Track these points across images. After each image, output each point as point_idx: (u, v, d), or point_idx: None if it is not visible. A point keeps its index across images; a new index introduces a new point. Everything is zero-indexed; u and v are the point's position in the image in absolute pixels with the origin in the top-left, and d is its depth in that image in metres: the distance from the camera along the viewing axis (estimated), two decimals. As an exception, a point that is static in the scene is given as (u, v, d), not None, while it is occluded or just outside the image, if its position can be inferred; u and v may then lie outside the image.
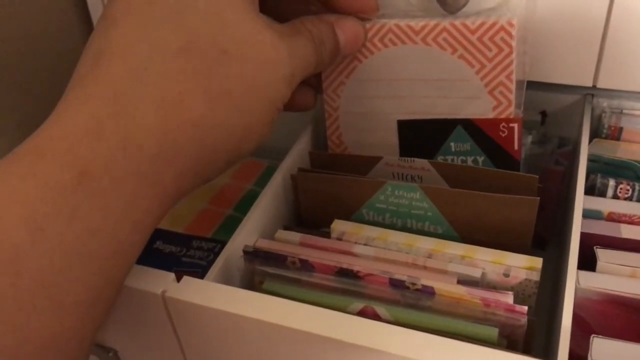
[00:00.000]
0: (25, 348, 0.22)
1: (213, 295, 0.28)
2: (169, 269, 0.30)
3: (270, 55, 0.28)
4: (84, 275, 0.23)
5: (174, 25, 0.26)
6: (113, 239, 0.24)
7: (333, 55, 0.33)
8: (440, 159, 0.37)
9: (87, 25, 0.53)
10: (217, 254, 0.37)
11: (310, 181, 0.37)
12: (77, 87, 0.25)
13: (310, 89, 0.37)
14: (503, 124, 0.34)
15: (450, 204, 0.34)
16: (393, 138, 0.38)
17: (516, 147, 0.35)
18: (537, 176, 0.33)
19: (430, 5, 0.35)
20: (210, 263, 0.35)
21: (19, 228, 0.22)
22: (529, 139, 0.40)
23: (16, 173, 0.23)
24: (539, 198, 0.32)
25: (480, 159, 0.36)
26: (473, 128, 0.35)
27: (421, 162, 0.36)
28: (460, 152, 0.36)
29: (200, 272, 0.39)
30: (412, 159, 0.36)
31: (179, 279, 0.29)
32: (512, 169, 0.35)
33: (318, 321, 0.27)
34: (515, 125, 0.34)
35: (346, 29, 0.33)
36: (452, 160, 0.37)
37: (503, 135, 0.35)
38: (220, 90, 0.26)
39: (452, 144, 0.36)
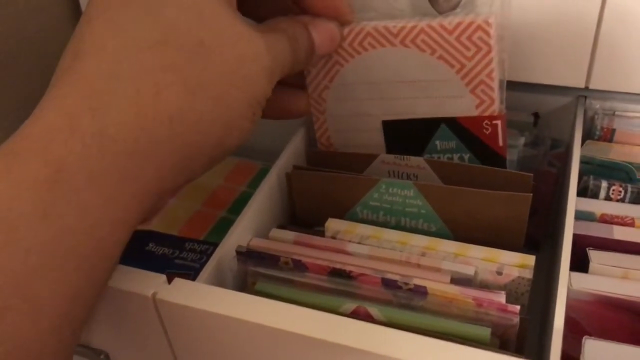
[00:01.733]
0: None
1: (204, 297, 0.28)
2: (161, 271, 0.30)
3: (249, 48, 0.28)
4: (61, 275, 0.23)
5: (150, 20, 0.25)
6: (91, 237, 0.24)
7: (309, 55, 0.33)
8: (426, 157, 0.37)
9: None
10: (209, 256, 0.37)
11: (304, 179, 0.37)
12: (53, 87, 0.25)
13: (302, 92, 0.37)
14: (486, 121, 0.34)
15: (444, 201, 0.34)
16: (379, 139, 0.38)
17: (501, 143, 0.35)
18: (530, 194, 0.33)
19: (420, 5, 0.36)
20: (203, 265, 0.35)
21: None
22: (522, 140, 0.40)
23: None
24: (531, 194, 0.32)
25: (466, 157, 0.36)
26: (457, 126, 0.35)
27: (416, 160, 0.36)
28: (445, 150, 0.36)
29: (192, 274, 0.39)
30: (408, 156, 0.36)
31: (170, 281, 0.29)
32: (499, 166, 0.35)
33: (309, 323, 0.27)
34: (499, 122, 0.34)
35: (320, 29, 0.33)
36: (439, 158, 0.37)
37: (487, 132, 0.35)
38: (198, 83, 0.26)
39: (437, 142, 0.36)
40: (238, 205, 0.45)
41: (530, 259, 0.32)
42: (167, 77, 0.25)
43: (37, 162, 0.23)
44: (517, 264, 0.32)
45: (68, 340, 0.24)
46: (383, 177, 0.36)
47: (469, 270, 0.31)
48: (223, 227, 0.42)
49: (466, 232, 0.34)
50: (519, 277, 0.31)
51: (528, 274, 0.31)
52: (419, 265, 0.32)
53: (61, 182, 0.23)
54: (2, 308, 0.22)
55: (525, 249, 0.34)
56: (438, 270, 0.32)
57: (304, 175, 0.37)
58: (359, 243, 0.34)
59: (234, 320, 0.27)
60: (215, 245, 0.39)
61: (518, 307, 0.29)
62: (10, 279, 0.22)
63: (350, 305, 0.30)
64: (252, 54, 0.28)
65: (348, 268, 0.31)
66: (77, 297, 0.24)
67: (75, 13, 0.51)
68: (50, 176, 0.23)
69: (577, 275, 0.32)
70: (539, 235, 0.43)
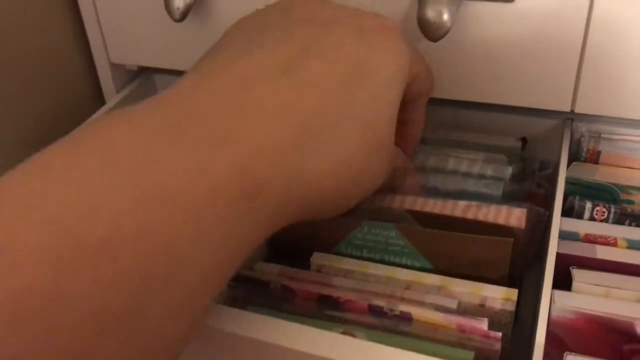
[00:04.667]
0: (163, 347, 0.22)
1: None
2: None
3: (385, 164, 0.31)
4: (217, 284, 0.24)
5: (369, 93, 0.28)
6: (245, 251, 0.25)
7: (390, 188, 0.36)
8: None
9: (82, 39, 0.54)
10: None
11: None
12: (256, 88, 0.26)
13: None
14: None
15: (426, 242, 0.35)
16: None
17: None
18: (511, 239, 0.33)
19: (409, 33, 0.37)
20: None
21: (187, 228, 0.21)
22: (509, 171, 0.40)
23: (188, 167, 0.22)
24: (512, 239, 0.33)
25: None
26: None
27: (398, 210, 0.36)
28: None
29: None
30: (389, 206, 0.37)
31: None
32: None
33: (307, 339, 0.28)
34: None
35: (411, 185, 0.38)
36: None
37: None
38: (368, 168, 0.29)
39: None
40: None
41: (513, 293, 0.32)
42: (363, 153, 0.28)
43: (235, 173, 0.23)
44: (500, 297, 0.32)
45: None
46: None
47: (452, 304, 0.32)
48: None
49: (449, 269, 0.35)
50: (501, 309, 0.32)
51: (511, 307, 0.32)
52: (403, 299, 0.33)
53: (249, 202, 0.24)
54: (176, 314, 0.22)
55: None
56: (422, 303, 0.32)
57: None
58: (343, 277, 0.35)
59: (230, 336, 0.28)
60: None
61: (500, 334, 0.30)
62: (188, 285, 0.22)
63: (338, 329, 0.31)
64: (387, 163, 0.31)
65: (336, 294, 0.32)
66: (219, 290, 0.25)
67: (74, 17, 0.52)
68: (243, 191, 0.23)
69: (560, 293, 0.33)
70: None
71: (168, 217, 0.21)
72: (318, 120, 0.26)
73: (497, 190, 0.38)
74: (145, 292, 0.20)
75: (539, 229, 0.36)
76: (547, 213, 0.36)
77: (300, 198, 0.26)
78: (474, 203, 0.35)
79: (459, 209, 0.35)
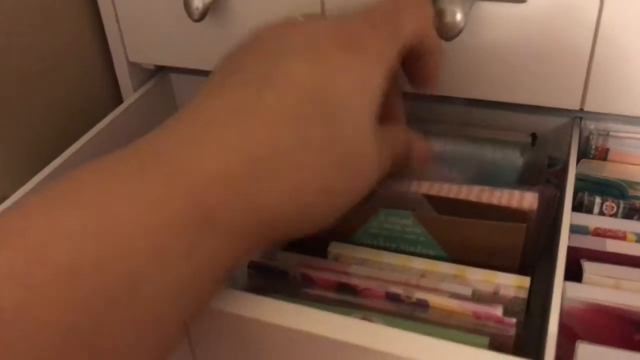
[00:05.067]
0: None
1: (226, 299, 0.30)
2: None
3: (368, 169, 0.31)
4: (185, 306, 0.25)
5: (325, 118, 0.29)
6: (212, 276, 0.26)
7: (401, 168, 0.37)
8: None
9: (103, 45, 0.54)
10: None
11: None
12: (214, 125, 0.27)
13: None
14: None
15: (441, 230, 0.36)
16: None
17: None
18: (524, 225, 0.34)
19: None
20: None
21: (146, 257, 0.23)
22: (521, 161, 0.41)
23: (145, 199, 0.24)
24: (525, 225, 0.34)
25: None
26: None
27: (414, 194, 0.38)
28: None
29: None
30: (406, 191, 0.38)
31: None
32: None
33: (328, 324, 0.28)
34: None
35: (421, 151, 0.38)
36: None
37: None
38: (334, 189, 0.29)
39: None
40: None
41: (526, 281, 0.33)
42: (319, 176, 0.28)
43: (190, 202, 0.25)
44: (513, 285, 0.33)
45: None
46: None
47: (467, 291, 0.33)
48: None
49: (463, 257, 0.36)
50: (514, 297, 0.33)
51: (523, 294, 0.33)
52: (418, 286, 0.34)
53: (205, 228, 0.25)
54: (142, 334, 0.24)
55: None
56: (437, 290, 0.33)
57: None
58: (360, 265, 0.36)
59: (253, 321, 0.29)
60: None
61: (514, 320, 0.31)
62: (151, 308, 0.24)
63: (357, 316, 0.31)
64: (368, 174, 0.32)
65: (354, 282, 0.33)
66: (186, 322, 0.27)
67: (93, 16, 0.53)
68: (198, 219, 0.25)
69: (571, 284, 0.33)
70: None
71: (126, 246, 0.23)
72: (268, 150, 0.27)
73: (512, 174, 0.39)
74: (108, 315, 0.22)
75: (551, 210, 0.37)
76: (559, 194, 0.37)
77: (258, 225, 0.27)
78: (487, 187, 0.36)
79: (474, 193, 0.36)
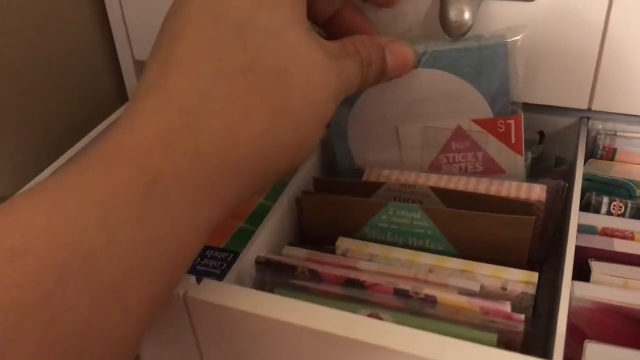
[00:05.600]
0: (92, 347, 0.23)
1: (232, 295, 0.30)
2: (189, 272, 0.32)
3: (321, 76, 0.30)
4: (148, 278, 0.25)
5: (238, 45, 0.27)
6: (177, 245, 0.26)
7: (379, 78, 0.35)
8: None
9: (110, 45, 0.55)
10: (230, 264, 0.39)
11: (313, 203, 0.39)
12: (144, 97, 0.27)
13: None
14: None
15: (450, 223, 0.36)
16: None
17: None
18: (533, 217, 0.34)
19: (430, 31, 0.38)
20: (224, 271, 0.37)
21: (95, 231, 0.23)
22: (529, 155, 0.41)
23: (90, 177, 0.24)
24: (534, 217, 0.34)
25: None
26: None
27: (421, 187, 0.38)
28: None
29: (215, 278, 0.41)
30: (413, 184, 0.38)
31: (199, 281, 0.31)
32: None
33: (332, 321, 0.28)
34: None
35: (396, 54, 0.35)
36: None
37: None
38: (280, 107, 0.28)
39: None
40: (255, 216, 0.47)
41: (534, 276, 0.33)
42: (254, 101, 0.27)
43: (133, 171, 0.24)
44: (521, 280, 0.33)
45: (141, 340, 0.26)
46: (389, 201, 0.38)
47: (475, 286, 0.33)
48: (242, 236, 0.44)
49: (471, 252, 0.36)
50: (522, 292, 0.33)
51: (532, 290, 0.33)
52: (426, 282, 0.34)
53: (155, 192, 0.25)
54: (98, 309, 0.23)
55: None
56: (445, 286, 0.33)
57: (312, 199, 0.39)
58: (368, 261, 0.36)
59: (261, 318, 0.29)
60: (234, 253, 0.41)
61: (523, 316, 0.30)
62: (106, 281, 0.23)
63: (364, 312, 0.31)
64: (324, 81, 0.30)
65: (362, 278, 0.33)
66: (157, 298, 0.26)
67: (100, 14, 0.53)
68: (145, 186, 0.24)
69: (579, 284, 0.33)
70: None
71: (74, 217, 0.23)
72: (194, 91, 0.26)
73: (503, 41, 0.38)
74: (60, 288, 0.22)
75: (559, 203, 0.37)
76: (566, 185, 0.37)
77: (212, 174, 0.26)
78: (495, 180, 0.36)
79: (482, 185, 0.36)
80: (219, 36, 0.28)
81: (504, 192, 0.36)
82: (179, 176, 0.25)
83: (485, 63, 0.37)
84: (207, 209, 0.27)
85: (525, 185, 0.36)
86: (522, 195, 0.36)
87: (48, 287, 0.22)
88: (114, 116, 0.50)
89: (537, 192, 0.36)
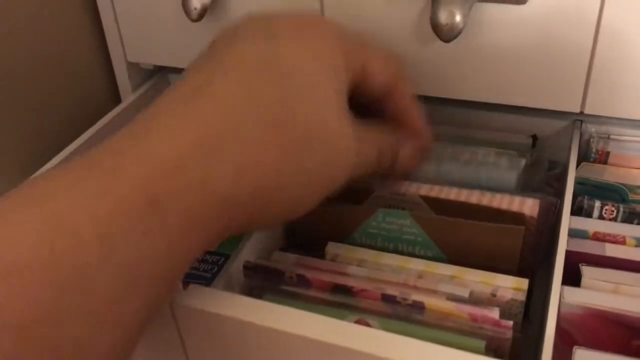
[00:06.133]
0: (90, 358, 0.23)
1: (219, 302, 0.29)
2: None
3: (343, 155, 0.30)
4: (142, 294, 0.25)
5: (276, 94, 0.28)
6: (171, 264, 0.26)
7: (388, 170, 0.36)
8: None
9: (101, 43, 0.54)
10: (221, 267, 0.39)
11: None
12: (166, 114, 0.27)
13: None
14: None
15: (440, 230, 0.36)
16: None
17: None
18: (523, 227, 0.34)
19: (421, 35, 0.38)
20: (215, 275, 0.37)
21: (93, 245, 0.23)
22: (522, 162, 0.41)
23: (92, 190, 0.24)
24: (523, 227, 0.34)
25: None
26: None
27: (412, 196, 0.37)
28: None
29: (204, 283, 0.41)
30: (403, 193, 0.38)
31: (185, 287, 0.31)
32: None
33: (322, 328, 0.28)
34: None
35: (406, 154, 0.36)
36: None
37: None
38: (296, 168, 0.28)
39: None
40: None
41: (524, 283, 0.33)
42: (273, 153, 0.27)
43: (137, 190, 0.24)
44: (511, 287, 0.33)
45: (134, 349, 0.26)
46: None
47: (464, 292, 0.33)
48: (233, 239, 0.44)
49: (461, 259, 0.36)
50: (512, 299, 0.33)
51: (521, 297, 0.33)
52: (415, 287, 0.33)
53: (156, 213, 0.24)
54: (94, 324, 0.23)
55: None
56: (434, 291, 0.33)
57: None
58: (358, 266, 0.35)
59: (250, 325, 0.29)
60: (226, 256, 0.41)
61: (511, 323, 0.30)
62: (104, 296, 0.23)
63: (352, 318, 0.31)
64: (344, 158, 0.31)
65: (350, 284, 0.33)
66: (150, 312, 0.26)
67: (93, 16, 0.53)
68: (147, 205, 0.24)
69: (569, 289, 0.33)
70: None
71: (71, 235, 0.23)
72: (217, 129, 0.26)
73: (511, 176, 0.39)
74: (57, 305, 0.22)
75: (551, 218, 0.37)
76: (559, 202, 0.37)
77: (211, 209, 0.26)
78: (487, 192, 0.36)
79: (473, 197, 0.36)
80: (263, 82, 0.28)
81: (495, 204, 0.36)
82: (180, 203, 0.25)
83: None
84: (203, 236, 0.27)
85: (517, 198, 0.36)
86: (514, 208, 0.35)
87: (45, 305, 0.22)
88: (107, 118, 0.50)
89: (529, 206, 0.35)
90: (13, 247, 0.22)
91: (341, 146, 0.30)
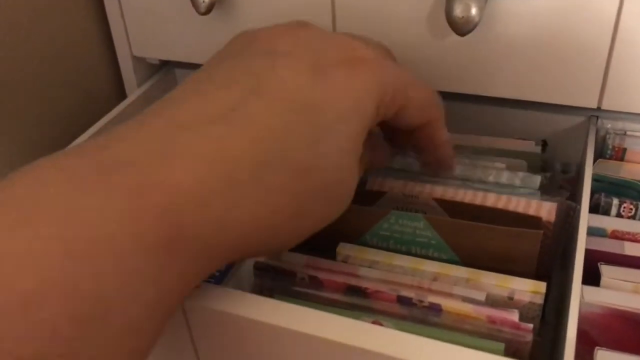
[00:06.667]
0: None
1: (231, 301, 0.29)
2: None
3: (344, 197, 0.30)
4: (154, 328, 0.24)
5: (309, 138, 0.27)
6: (178, 296, 0.25)
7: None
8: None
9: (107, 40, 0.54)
10: (231, 266, 0.38)
11: None
12: (189, 133, 0.25)
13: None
14: None
15: (454, 234, 0.35)
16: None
17: None
18: (541, 231, 0.33)
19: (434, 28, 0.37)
20: (224, 274, 0.36)
21: (115, 280, 0.22)
22: (538, 180, 0.39)
23: (108, 217, 0.22)
24: (542, 232, 0.33)
25: None
26: None
27: (425, 198, 0.36)
28: None
29: (213, 281, 0.40)
30: (416, 195, 0.37)
31: (197, 286, 0.30)
32: None
33: (337, 328, 0.27)
34: None
35: (378, 155, 0.36)
36: None
37: None
38: (305, 214, 0.28)
39: None
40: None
41: (542, 286, 0.32)
42: (291, 200, 0.27)
43: (158, 223, 0.23)
44: (528, 290, 0.32)
45: None
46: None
47: (480, 295, 0.32)
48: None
49: (477, 263, 0.34)
50: (530, 302, 0.32)
51: (539, 300, 0.32)
52: (430, 290, 0.33)
53: (173, 249, 0.23)
54: (114, 354, 0.23)
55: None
56: (450, 294, 0.32)
57: None
58: (369, 267, 0.35)
59: (259, 324, 0.28)
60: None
61: (531, 326, 0.29)
62: (118, 331, 0.22)
63: (367, 319, 0.30)
64: (344, 200, 0.30)
65: (363, 285, 0.32)
66: (157, 340, 0.25)
67: (98, 10, 0.52)
68: (166, 241, 0.23)
69: (589, 288, 0.32)
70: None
71: (96, 266, 0.22)
72: (246, 168, 0.25)
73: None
74: (77, 338, 0.21)
75: (569, 223, 0.36)
76: (578, 207, 0.36)
77: (226, 245, 0.26)
78: (504, 195, 0.35)
79: (489, 200, 0.35)
80: (300, 124, 0.26)
81: (511, 208, 0.35)
82: (200, 240, 0.24)
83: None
84: (215, 266, 0.26)
85: (534, 202, 0.35)
86: (531, 212, 0.34)
87: (67, 340, 0.21)
88: (112, 113, 0.49)
89: (546, 210, 0.34)
90: (33, 274, 0.21)
91: (345, 191, 0.30)
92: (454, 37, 0.38)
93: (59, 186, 0.23)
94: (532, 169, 0.40)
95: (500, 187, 0.38)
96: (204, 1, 0.43)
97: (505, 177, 0.39)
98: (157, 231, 0.23)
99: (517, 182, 0.38)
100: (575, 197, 0.39)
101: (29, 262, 0.21)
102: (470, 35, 0.37)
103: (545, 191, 0.38)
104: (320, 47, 0.29)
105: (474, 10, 0.36)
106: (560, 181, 0.43)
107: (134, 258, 0.22)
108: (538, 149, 0.42)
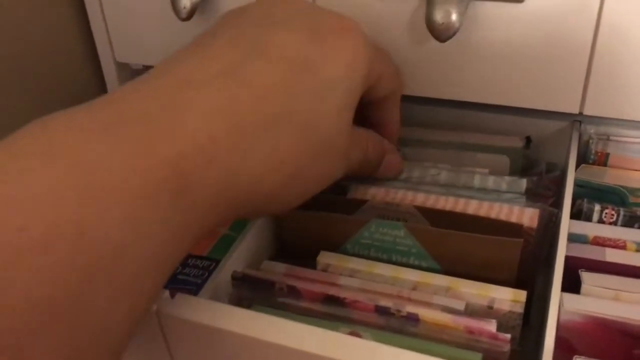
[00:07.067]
0: (101, 345, 0.23)
1: (207, 312, 0.29)
2: (164, 287, 0.31)
3: (336, 160, 0.31)
4: (154, 280, 0.24)
5: (312, 98, 0.28)
6: (179, 249, 0.25)
7: (369, 173, 0.38)
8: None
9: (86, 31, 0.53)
10: (212, 272, 0.38)
11: (294, 218, 0.38)
12: (199, 87, 0.26)
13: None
14: None
15: (434, 242, 0.35)
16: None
17: None
18: (521, 240, 0.33)
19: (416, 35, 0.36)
20: (205, 281, 0.36)
21: (123, 227, 0.22)
22: (524, 184, 0.39)
23: (123, 165, 0.23)
24: (522, 240, 0.33)
25: None
26: None
27: (406, 206, 0.36)
28: None
29: (194, 289, 0.40)
30: (398, 203, 0.37)
31: (172, 296, 0.30)
32: None
33: (313, 340, 0.27)
34: None
35: (389, 164, 0.38)
36: None
37: None
38: (307, 172, 0.29)
39: None
40: (239, 223, 0.46)
41: (522, 295, 0.32)
42: (296, 158, 0.28)
43: (167, 174, 0.23)
44: (508, 299, 0.32)
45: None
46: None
47: (460, 305, 0.32)
48: (225, 243, 0.43)
49: (457, 270, 0.34)
50: (509, 311, 0.32)
51: (519, 309, 0.32)
52: (409, 299, 0.32)
53: (182, 200, 0.24)
54: (113, 308, 0.22)
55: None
56: (429, 304, 0.32)
57: (293, 214, 0.37)
58: (350, 276, 0.34)
59: (237, 336, 0.28)
60: (217, 261, 0.40)
61: (509, 336, 0.29)
62: (124, 282, 0.23)
63: (344, 330, 0.30)
64: (337, 165, 0.31)
65: (342, 295, 0.32)
66: (153, 298, 0.25)
67: (80, 16, 0.52)
68: (175, 193, 0.24)
69: (569, 296, 0.32)
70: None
71: (104, 212, 0.22)
72: (253, 121, 0.26)
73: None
74: (85, 284, 0.21)
75: (551, 229, 0.36)
76: (559, 213, 0.36)
77: (233, 198, 0.26)
78: (486, 202, 0.35)
79: (471, 206, 0.35)
80: (303, 84, 0.28)
81: (493, 215, 0.34)
82: (207, 191, 0.25)
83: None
84: (217, 221, 0.27)
85: (516, 209, 0.35)
86: (513, 219, 0.34)
87: (73, 285, 0.21)
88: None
89: (528, 216, 0.34)
90: (41, 219, 0.21)
91: (337, 154, 0.31)
92: (435, 43, 0.38)
93: (68, 136, 0.23)
94: (515, 166, 0.40)
95: (484, 193, 0.38)
96: (185, 7, 0.43)
97: (491, 181, 0.39)
98: (166, 180, 0.23)
99: (504, 186, 0.38)
100: (559, 198, 0.39)
101: (37, 207, 0.21)
102: (450, 41, 0.37)
103: (531, 194, 0.38)
104: (313, 15, 0.31)
105: (454, 17, 0.36)
106: (545, 181, 0.43)
107: (142, 206, 0.23)
108: (520, 145, 0.42)
